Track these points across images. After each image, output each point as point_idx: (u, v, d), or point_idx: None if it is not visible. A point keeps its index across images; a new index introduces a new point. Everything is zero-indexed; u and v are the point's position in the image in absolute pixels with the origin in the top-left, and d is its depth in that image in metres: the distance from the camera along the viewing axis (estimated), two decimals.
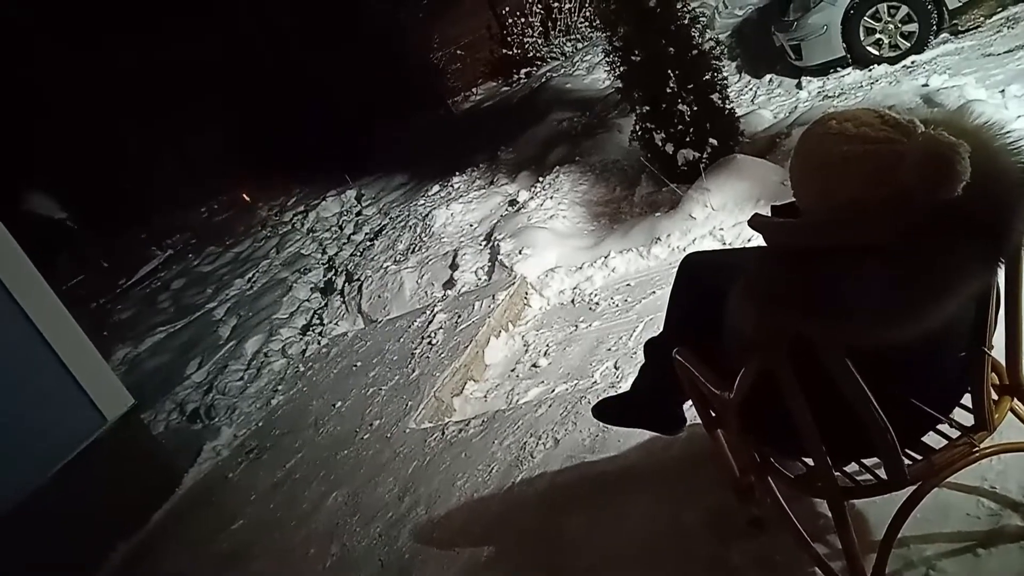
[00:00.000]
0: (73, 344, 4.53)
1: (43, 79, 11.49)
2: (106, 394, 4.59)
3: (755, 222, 1.72)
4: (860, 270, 1.48)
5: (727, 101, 5.13)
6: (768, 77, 6.74)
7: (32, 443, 4.27)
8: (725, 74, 5.29)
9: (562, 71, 9.98)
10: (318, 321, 6.44)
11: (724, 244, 4.24)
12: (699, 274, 2.19)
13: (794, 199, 1.72)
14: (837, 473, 1.79)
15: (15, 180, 10.24)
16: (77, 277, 11.31)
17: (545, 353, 4.18)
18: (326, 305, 6.64)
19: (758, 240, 1.79)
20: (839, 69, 6.08)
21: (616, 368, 3.60)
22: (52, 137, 11.64)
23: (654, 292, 4.11)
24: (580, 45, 10.73)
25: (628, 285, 4.41)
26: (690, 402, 2.29)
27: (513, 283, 4.92)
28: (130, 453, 4.62)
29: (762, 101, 6.33)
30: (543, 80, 10.00)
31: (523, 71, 11.14)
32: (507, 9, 11.26)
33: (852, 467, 1.87)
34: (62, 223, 10.97)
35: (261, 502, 4.08)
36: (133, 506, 4.51)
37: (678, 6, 4.93)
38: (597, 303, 4.40)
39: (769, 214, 1.80)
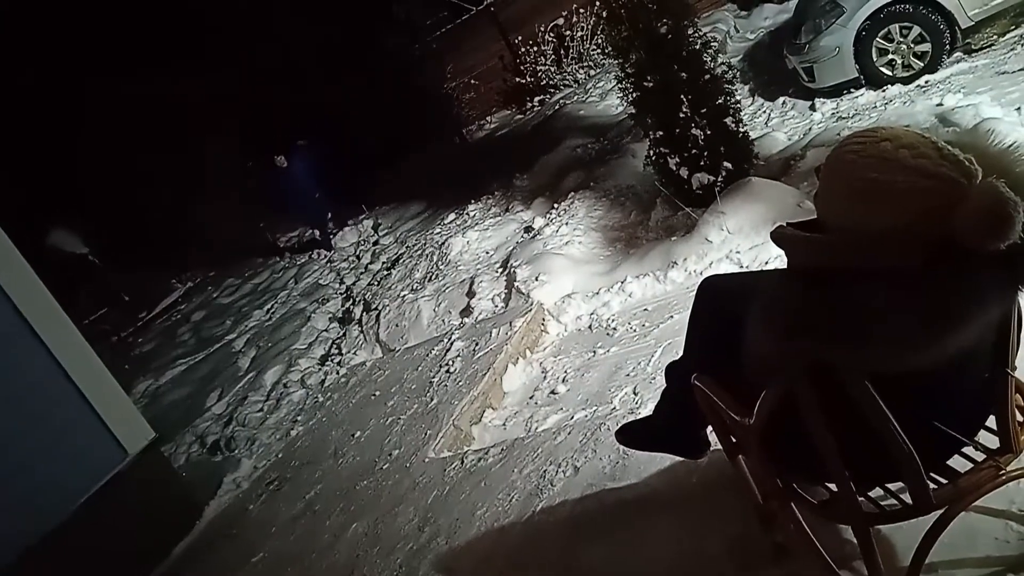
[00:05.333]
0: (94, 378, 4.58)
1: (63, 115, 11.71)
2: (127, 428, 4.63)
3: (779, 235, 1.69)
4: (882, 296, 1.47)
5: (741, 124, 5.15)
6: (781, 100, 6.75)
7: (55, 477, 4.30)
8: (738, 98, 5.31)
9: (575, 98, 10.05)
10: (336, 351, 6.46)
11: (741, 267, 4.22)
12: (718, 298, 2.18)
13: (815, 217, 1.69)
14: (861, 498, 1.77)
15: (37, 216, 10.40)
16: (99, 311, 11.43)
17: (563, 380, 4.17)
18: (344, 335, 6.66)
19: (775, 263, 1.79)
20: (853, 90, 6.08)
21: (635, 394, 3.58)
22: (73, 173, 11.85)
23: (672, 316, 4.10)
24: (593, 72, 10.81)
25: (645, 310, 4.40)
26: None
27: (530, 310, 4.92)
28: (152, 486, 4.64)
29: (776, 124, 6.34)
30: (556, 107, 10.07)
31: (536, 99, 11.24)
32: (520, 38, 11.38)
33: (876, 492, 1.84)
34: (83, 258, 11.11)
35: (282, 534, 4.07)
36: (155, 539, 4.52)
37: (689, 32, 4.97)
38: (614, 328, 4.39)
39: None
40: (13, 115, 10.99)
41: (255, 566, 3.93)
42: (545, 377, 4.35)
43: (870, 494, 1.83)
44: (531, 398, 4.24)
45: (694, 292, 2.32)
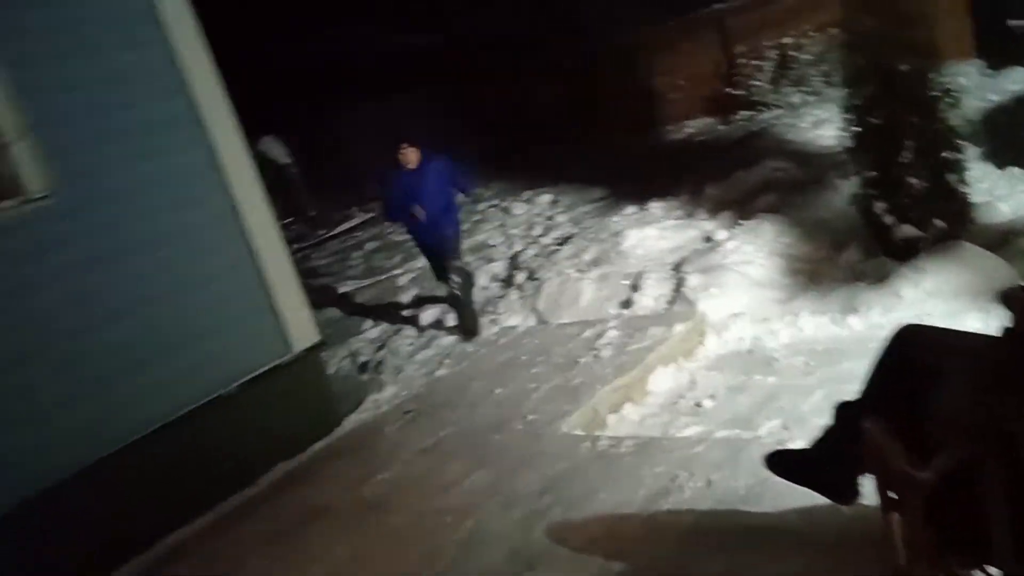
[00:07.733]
0: (282, 274, 4.99)
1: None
2: (298, 326, 5.01)
3: (1010, 295, 1.62)
4: None
5: (963, 184, 4.84)
6: (1013, 170, 6.23)
7: (227, 352, 4.73)
8: (966, 156, 4.98)
9: (785, 120, 9.70)
10: (492, 309, 6.64)
11: None
12: (916, 345, 2.10)
13: None
14: None
15: (258, 126, 11.37)
16: (286, 220, 12.31)
17: (712, 396, 4.12)
18: (503, 296, 6.84)
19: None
20: None
21: (785, 428, 3.50)
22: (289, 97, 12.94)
23: (841, 363, 3.93)
24: (810, 99, 10.37)
25: (814, 349, 4.26)
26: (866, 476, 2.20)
27: (693, 317, 4.88)
28: (305, 384, 5.01)
29: (1002, 194, 5.84)
30: (763, 126, 9.77)
31: (743, 113, 10.94)
32: (742, 49, 11.10)
33: None
34: (285, 168, 11.99)
35: (409, 462, 4.28)
36: (297, 433, 4.89)
37: (930, 75, 4.70)
38: (776, 359, 4.29)
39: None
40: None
41: (379, 484, 4.15)
42: (693, 387, 4.32)
43: None
44: (674, 404, 4.22)
45: (871, 343, 2.25)
